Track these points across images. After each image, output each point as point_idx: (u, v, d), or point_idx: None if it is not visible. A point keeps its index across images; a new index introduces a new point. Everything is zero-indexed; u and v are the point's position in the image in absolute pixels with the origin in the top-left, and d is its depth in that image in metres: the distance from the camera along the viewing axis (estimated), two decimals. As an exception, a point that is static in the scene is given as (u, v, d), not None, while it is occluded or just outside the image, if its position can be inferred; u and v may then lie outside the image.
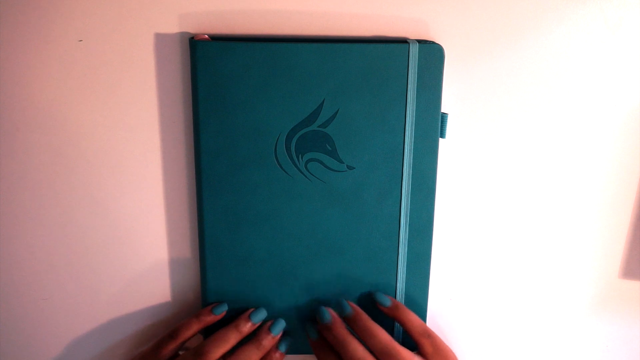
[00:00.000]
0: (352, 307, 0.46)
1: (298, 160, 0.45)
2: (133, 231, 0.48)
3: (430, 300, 0.50)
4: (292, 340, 0.48)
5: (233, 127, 0.44)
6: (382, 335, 0.44)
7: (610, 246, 0.51)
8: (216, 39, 0.43)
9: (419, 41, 0.44)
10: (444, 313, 0.50)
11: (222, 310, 0.46)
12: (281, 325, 0.47)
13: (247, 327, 0.46)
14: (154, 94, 0.45)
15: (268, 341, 0.46)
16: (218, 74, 0.43)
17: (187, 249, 0.49)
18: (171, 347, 0.45)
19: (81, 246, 0.48)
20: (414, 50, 0.43)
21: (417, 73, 0.43)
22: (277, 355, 0.47)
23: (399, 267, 0.48)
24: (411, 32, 0.45)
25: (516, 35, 0.46)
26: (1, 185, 0.47)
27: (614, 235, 0.51)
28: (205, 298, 0.48)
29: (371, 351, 0.44)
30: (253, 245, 0.47)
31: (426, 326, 0.46)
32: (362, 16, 0.45)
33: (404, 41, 0.44)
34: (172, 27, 0.44)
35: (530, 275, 0.52)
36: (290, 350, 0.49)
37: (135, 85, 0.45)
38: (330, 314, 0.46)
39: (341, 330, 0.45)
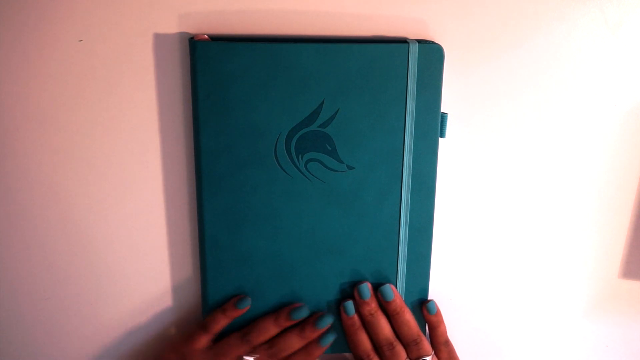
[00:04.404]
0: (395, 295, 0.48)
1: (298, 160, 0.45)
2: (133, 231, 0.48)
3: (430, 300, 0.50)
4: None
5: (233, 127, 0.44)
6: (416, 327, 0.48)
7: (610, 246, 0.51)
8: (216, 39, 0.43)
9: (419, 41, 0.44)
10: (444, 313, 0.50)
11: (245, 305, 0.47)
12: (328, 320, 0.47)
13: (286, 323, 0.47)
14: (153, 94, 0.45)
15: (310, 333, 0.47)
16: (218, 74, 0.43)
17: (187, 249, 0.49)
18: (204, 339, 0.47)
19: (81, 246, 0.48)
20: (413, 50, 0.43)
21: (417, 73, 0.43)
22: (317, 349, 0.47)
23: (399, 267, 0.48)
24: (411, 32, 0.45)
25: (516, 35, 0.46)
26: (1, 185, 0.47)
27: (614, 235, 0.51)
28: (205, 298, 0.48)
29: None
30: (253, 245, 0.47)
31: (447, 336, 0.49)
32: (362, 16, 0.45)
33: (403, 41, 0.44)
34: (172, 27, 0.44)
35: (530, 275, 0.52)
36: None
37: (135, 86, 0.45)
38: (370, 292, 0.47)
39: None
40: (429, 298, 0.49)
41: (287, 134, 0.44)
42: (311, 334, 0.47)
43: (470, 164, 0.49)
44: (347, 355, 0.52)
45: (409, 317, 0.47)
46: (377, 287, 0.47)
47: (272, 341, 0.47)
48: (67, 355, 0.51)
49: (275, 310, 0.48)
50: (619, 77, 0.47)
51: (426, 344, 0.47)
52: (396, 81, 0.44)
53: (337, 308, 0.48)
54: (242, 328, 0.48)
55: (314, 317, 0.47)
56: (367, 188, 0.46)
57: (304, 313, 0.47)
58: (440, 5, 0.45)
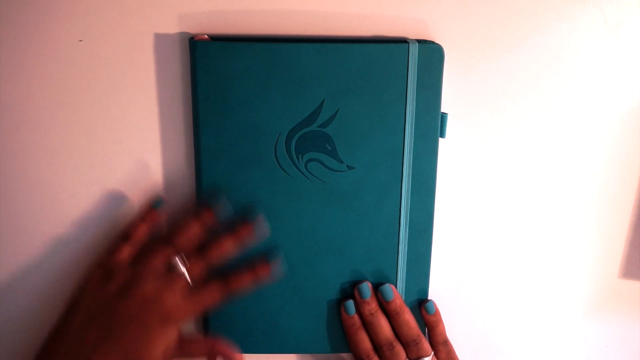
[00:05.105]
0: (395, 295, 0.47)
1: (298, 160, 0.45)
2: (133, 231, 0.48)
3: (430, 300, 0.50)
4: (306, 340, 0.48)
5: (233, 127, 0.44)
6: (416, 327, 0.48)
7: (610, 246, 0.51)
8: (216, 39, 0.43)
9: (419, 41, 0.44)
10: (444, 313, 0.50)
11: (159, 204, 0.46)
12: (257, 213, 0.45)
13: (205, 215, 0.45)
14: (154, 94, 0.45)
15: (242, 230, 0.45)
16: (218, 74, 0.43)
17: (187, 249, 0.49)
18: (126, 249, 0.45)
19: (81, 247, 0.48)
20: (413, 50, 0.43)
21: (417, 73, 0.43)
22: (262, 265, 0.45)
23: (399, 267, 0.48)
24: (411, 32, 0.45)
25: (516, 35, 0.46)
26: (1, 185, 0.47)
27: (614, 235, 0.51)
28: (205, 298, 0.48)
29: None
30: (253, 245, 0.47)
31: (446, 336, 0.49)
32: (362, 16, 0.45)
33: (403, 41, 0.44)
34: (172, 27, 0.44)
35: (530, 275, 0.52)
36: (297, 349, 0.49)
37: (135, 85, 0.45)
38: (371, 291, 0.47)
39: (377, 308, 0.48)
40: (429, 298, 0.49)
41: (287, 134, 0.44)
42: (242, 232, 0.45)
43: (470, 164, 0.49)
44: (345, 355, 0.52)
45: (408, 317, 0.47)
46: (377, 287, 0.47)
47: (207, 248, 0.45)
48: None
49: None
50: (619, 77, 0.47)
51: (426, 344, 0.47)
52: (396, 81, 0.44)
53: (337, 308, 0.48)
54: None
55: (246, 215, 0.45)
56: (367, 188, 0.46)
57: (220, 199, 0.44)
58: (440, 5, 0.45)
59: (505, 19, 0.45)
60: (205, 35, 0.43)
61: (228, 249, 0.45)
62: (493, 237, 0.51)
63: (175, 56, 0.45)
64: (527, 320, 0.53)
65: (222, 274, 0.45)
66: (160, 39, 0.44)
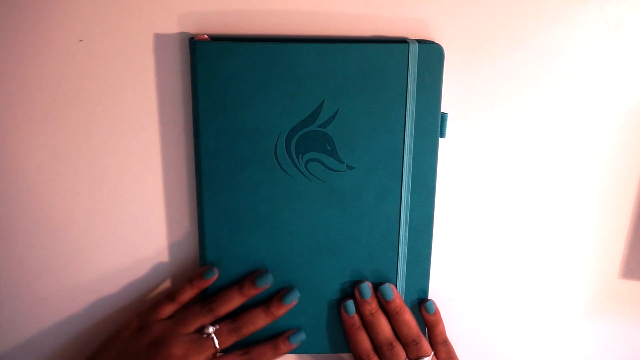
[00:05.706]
0: (395, 295, 0.48)
1: (298, 160, 0.45)
2: (133, 231, 0.48)
3: (430, 300, 0.50)
4: (306, 340, 0.48)
5: (233, 127, 0.44)
6: (416, 327, 0.48)
7: (610, 246, 0.51)
8: (216, 39, 0.43)
9: (419, 41, 0.44)
10: (444, 313, 0.50)
11: (211, 275, 0.46)
12: (295, 296, 0.47)
13: (250, 291, 0.46)
14: (153, 94, 0.45)
15: (276, 309, 0.46)
16: (218, 74, 0.43)
17: (188, 249, 0.49)
18: (169, 308, 0.46)
19: (81, 246, 0.48)
20: (413, 50, 0.43)
21: (417, 73, 0.43)
22: (285, 345, 0.47)
23: (399, 267, 0.48)
24: (411, 32, 0.45)
25: (516, 35, 0.46)
26: (1, 185, 0.47)
27: (613, 235, 0.51)
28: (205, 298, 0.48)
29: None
30: (253, 245, 0.47)
31: (446, 336, 0.49)
32: (362, 16, 0.45)
33: (403, 41, 0.44)
34: (172, 27, 0.44)
35: (530, 275, 0.52)
36: (297, 349, 0.49)
37: (135, 86, 0.45)
38: (371, 291, 0.47)
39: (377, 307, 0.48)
40: (428, 298, 0.49)
41: (287, 134, 0.44)
42: (277, 310, 0.46)
43: (470, 164, 0.49)
44: (345, 355, 0.52)
45: (408, 317, 0.47)
46: (377, 287, 0.48)
47: (236, 315, 0.46)
48: (66, 355, 0.51)
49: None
50: (619, 77, 0.47)
51: (426, 344, 0.47)
52: (396, 81, 0.44)
53: (337, 308, 0.48)
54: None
55: (281, 292, 0.47)
56: (367, 188, 0.46)
57: (268, 280, 0.46)
58: (440, 5, 0.45)
59: (505, 19, 0.45)
60: (205, 35, 0.43)
61: (260, 323, 0.46)
62: (493, 237, 0.51)
63: (175, 56, 0.45)
64: (527, 320, 0.53)
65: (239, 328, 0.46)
66: (160, 39, 0.44)
